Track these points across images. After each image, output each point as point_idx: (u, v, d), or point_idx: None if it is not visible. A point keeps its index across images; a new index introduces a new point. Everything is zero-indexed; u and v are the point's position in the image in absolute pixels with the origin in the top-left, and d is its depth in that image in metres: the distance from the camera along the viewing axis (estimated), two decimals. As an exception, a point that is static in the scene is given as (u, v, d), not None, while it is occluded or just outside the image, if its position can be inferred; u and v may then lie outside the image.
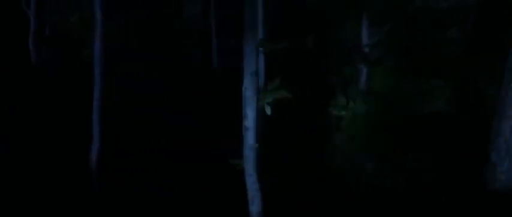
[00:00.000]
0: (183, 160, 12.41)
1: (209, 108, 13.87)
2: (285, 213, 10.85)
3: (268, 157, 13.09)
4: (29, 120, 13.27)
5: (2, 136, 12.36)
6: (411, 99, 13.32)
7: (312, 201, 11.73)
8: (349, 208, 11.82)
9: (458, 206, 12.04)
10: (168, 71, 15.58)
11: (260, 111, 13.92)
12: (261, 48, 13.94)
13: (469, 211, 11.78)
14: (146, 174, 11.94)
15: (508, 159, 12.02)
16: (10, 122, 12.74)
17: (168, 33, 16.74)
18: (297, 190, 11.98)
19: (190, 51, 16.15)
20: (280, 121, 14.06)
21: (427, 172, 12.76)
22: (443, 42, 13.40)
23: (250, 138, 9.19)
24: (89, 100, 12.03)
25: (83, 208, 11.12)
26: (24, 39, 15.46)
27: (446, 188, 12.42)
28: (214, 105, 13.68)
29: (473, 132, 13.15)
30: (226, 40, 15.63)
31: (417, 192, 12.35)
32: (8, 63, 14.95)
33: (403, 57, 13.49)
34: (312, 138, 13.56)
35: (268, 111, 9.03)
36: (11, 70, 14.71)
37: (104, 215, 11.16)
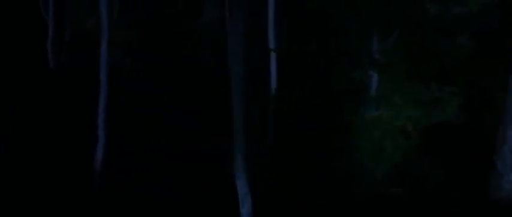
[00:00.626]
0: (184, 160, 12.52)
1: (216, 110, 13.95)
2: (277, 215, 10.91)
3: (275, 160, 13.20)
4: (38, 122, 13.56)
5: (2, 136, 12.65)
6: (421, 106, 13.22)
7: (312, 205, 11.76)
8: (348, 213, 11.82)
9: (464, 215, 11.96)
10: (179, 73, 15.72)
11: (270, 112, 14.03)
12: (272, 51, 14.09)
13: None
14: (148, 175, 12.10)
15: (514, 168, 11.90)
16: (10, 123, 13.03)
17: (185, 34, 16.88)
18: (297, 194, 12.01)
19: (206, 53, 16.24)
20: (288, 124, 14.14)
21: (435, 180, 12.67)
22: (454, 49, 13.27)
23: (240, 140, 9.28)
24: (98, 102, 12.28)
25: (85, 208, 11.33)
26: (44, 43, 15.76)
27: (453, 196, 12.33)
28: (222, 107, 13.77)
29: (483, 140, 13.02)
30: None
31: (425, 199, 12.28)
32: (25, 67, 15.27)
33: (414, 63, 13.40)
34: (320, 143, 13.57)
35: (255, 113, 9.12)
36: (28, 74, 15.02)
37: (106, 214, 11.35)
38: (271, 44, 14.10)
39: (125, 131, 13.01)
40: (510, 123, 11.90)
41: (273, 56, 14.09)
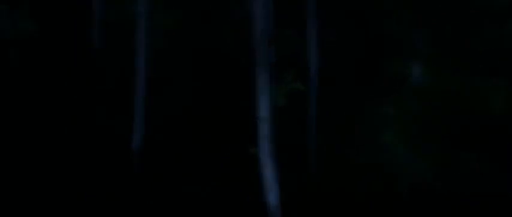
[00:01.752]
0: (213, 143, 12.55)
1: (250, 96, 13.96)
2: (306, 205, 10.79)
3: (314, 153, 13.08)
4: (81, 102, 13.77)
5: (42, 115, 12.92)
6: (465, 99, 12.93)
7: (345, 199, 11.62)
8: (383, 207, 11.67)
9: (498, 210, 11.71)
10: (219, 59, 15.72)
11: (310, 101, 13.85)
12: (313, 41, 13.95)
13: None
14: (180, 156, 12.17)
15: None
16: (54, 102, 13.25)
17: (227, 27, 16.87)
18: (332, 186, 11.88)
19: (245, 46, 16.20)
20: (326, 116, 14.01)
21: (474, 174, 12.40)
22: (502, 37, 12.89)
23: (264, 128, 9.24)
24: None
25: (123, 185, 11.47)
26: (90, 27, 15.96)
27: (491, 190, 12.06)
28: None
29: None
30: (284, 32, 15.54)
31: (464, 193, 12.06)
32: (69, 50, 15.50)
33: (460, 54, 13.10)
34: (357, 135, 13.42)
35: (281, 102, 9.07)
36: (74, 56, 15.24)
37: (142, 191, 11.48)
38: (311, 33, 13.98)
39: (160, 114, 13.10)
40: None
41: (314, 44, 13.97)
